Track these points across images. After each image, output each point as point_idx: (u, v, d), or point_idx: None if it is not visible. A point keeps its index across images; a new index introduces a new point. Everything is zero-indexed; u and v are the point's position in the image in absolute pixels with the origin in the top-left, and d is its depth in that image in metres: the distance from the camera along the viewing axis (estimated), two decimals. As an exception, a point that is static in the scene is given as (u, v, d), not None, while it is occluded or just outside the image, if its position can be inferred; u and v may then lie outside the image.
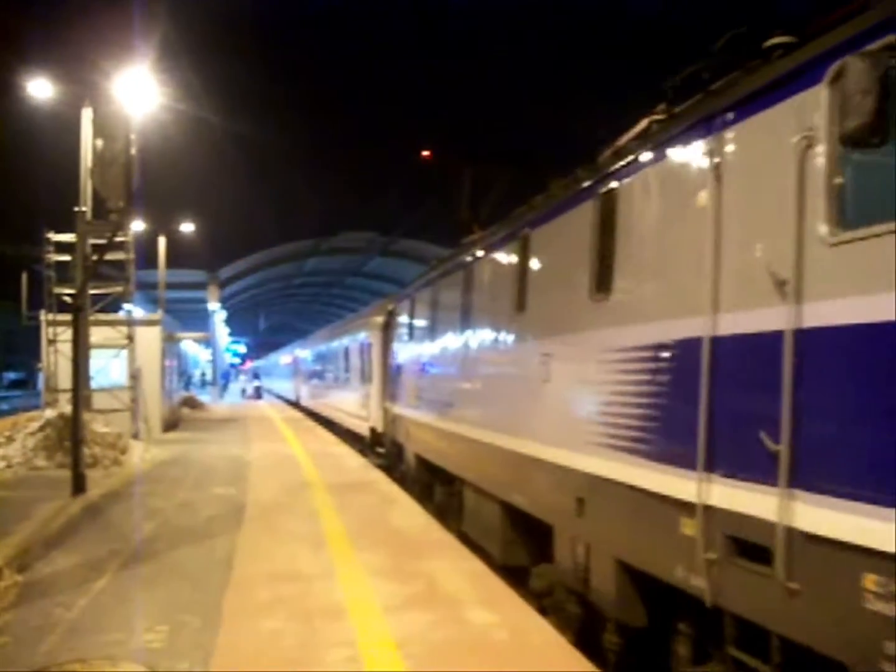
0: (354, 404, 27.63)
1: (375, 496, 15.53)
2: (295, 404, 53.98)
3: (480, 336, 12.37)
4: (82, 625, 7.69)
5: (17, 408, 48.84)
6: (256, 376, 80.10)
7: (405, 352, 19.19)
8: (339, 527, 12.44)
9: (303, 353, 52.50)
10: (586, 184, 8.58)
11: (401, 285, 41.36)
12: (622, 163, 7.75)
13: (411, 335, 18.49)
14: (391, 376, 21.19)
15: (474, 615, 7.96)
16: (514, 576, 10.33)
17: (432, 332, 15.98)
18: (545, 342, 9.43)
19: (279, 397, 70.51)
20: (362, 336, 26.93)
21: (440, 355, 15.21)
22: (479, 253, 12.92)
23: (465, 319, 13.21)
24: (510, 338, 10.96)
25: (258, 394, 69.25)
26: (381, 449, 22.91)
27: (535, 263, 10.20)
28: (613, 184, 7.86)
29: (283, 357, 73.56)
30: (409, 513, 13.86)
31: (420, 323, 17.62)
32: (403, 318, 19.66)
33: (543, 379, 9.31)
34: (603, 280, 7.88)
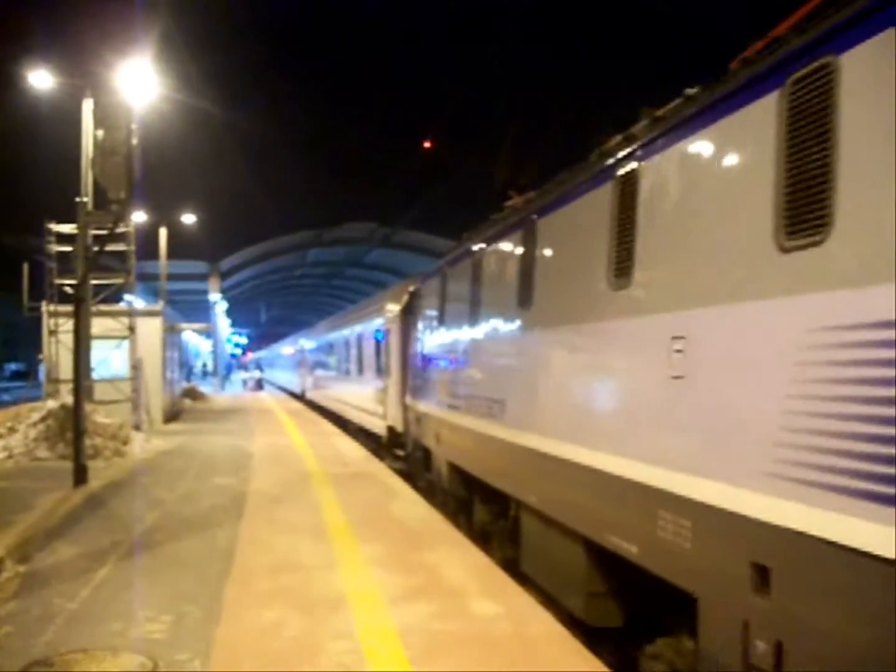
0: (369, 400, 24.72)
1: (377, 487, 15.53)
2: (299, 397, 51.23)
3: (555, 315, 9.18)
4: (84, 615, 7.69)
5: (18, 398, 48.87)
6: (259, 367, 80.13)
7: (434, 339, 15.64)
8: (341, 518, 12.44)
9: (309, 342, 48.45)
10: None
11: (402, 276, 41.15)
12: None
13: (443, 318, 14.94)
14: (414, 368, 17.94)
15: (477, 606, 7.95)
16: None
17: (474, 312, 12.40)
18: (682, 319, 6.29)
19: (282, 389, 68.08)
20: (378, 323, 23.97)
21: (486, 341, 11.88)
22: (556, 206, 9.37)
23: (526, 294, 10.00)
24: (609, 316, 7.64)
25: (259, 385, 69.35)
26: (401, 451, 20.20)
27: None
28: None
29: (287, 347, 68.51)
30: (411, 504, 13.85)
31: (455, 303, 14.03)
32: (431, 300, 16.19)
33: (674, 373, 6.29)
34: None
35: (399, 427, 20.19)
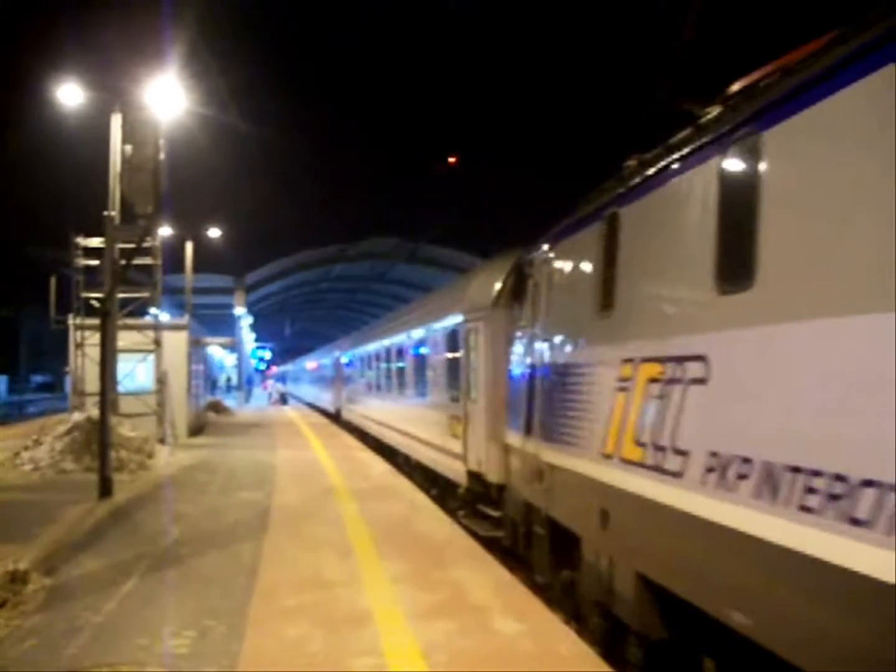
0: (435, 430, 17.80)
1: (401, 503, 15.49)
2: (333, 417, 43.33)
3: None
4: (109, 629, 7.71)
5: (44, 411, 49.23)
6: (283, 381, 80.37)
7: (565, 340, 9.89)
8: (365, 533, 12.42)
9: (347, 353, 39.31)
10: None
11: (427, 292, 40.88)
12: None
13: (611, 299, 8.26)
14: (517, 387, 12.01)
15: (500, 624, 7.91)
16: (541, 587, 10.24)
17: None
18: None
19: (311, 407, 61.26)
20: (452, 322, 16.81)
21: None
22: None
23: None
24: None
25: (283, 400, 69.59)
26: (492, 511, 13.85)
27: None
28: None
29: (319, 359, 59.22)
30: (434, 520, 13.81)
31: (641, 268, 7.74)
32: (572, 271, 9.87)
33: None
34: None
35: (492, 475, 13.48)
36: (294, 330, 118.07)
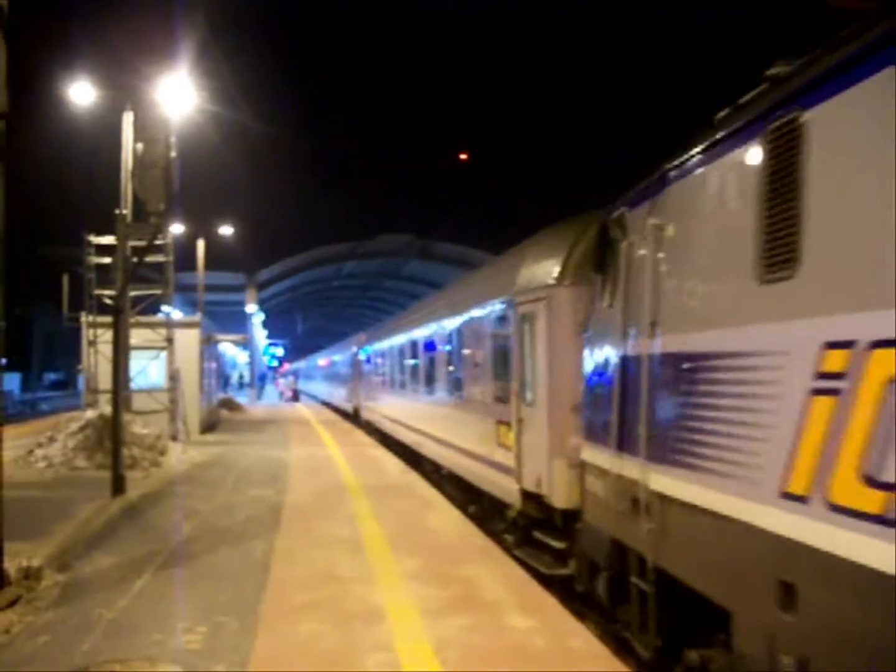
0: (477, 437, 14.87)
1: (414, 500, 15.48)
2: (352, 417, 40.31)
3: None
4: (122, 625, 7.72)
5: (57, 408, 49.46)
6: (295, 377, 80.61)
7: (694, 319, 6.97)
8: (377, 530, 12.42)
9: (368, 347, 35.22)
10: None
11: (437, 288, 40.74)
12: None
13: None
14: (600, 387, 9.24)
15: (513, 621, 7.89)
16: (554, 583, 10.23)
17: None
18: None
19: (326, 405, 58.63)
20: (499, 308, 13.73)
21: None
22: None
23: None
24: None
25: (296, 397, 69.78)
26: (555, 541, 11.05)
27: None
28: None
29: (335, 355, 55.06)
30: (447, 516, 13.81)
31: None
32: (681, 230, 7.32)
33: None
34: None
35: (558, 498, 10.87)
36: (306, 327, 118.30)
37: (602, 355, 9.02)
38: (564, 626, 7.84)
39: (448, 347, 18.09)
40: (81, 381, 27.84)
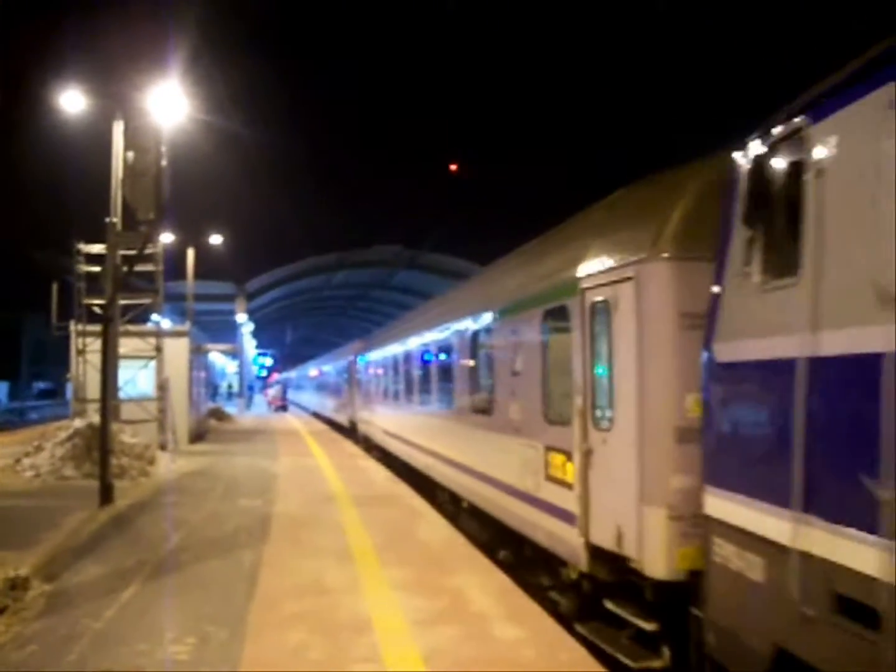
0: (516, 466, 11.39)
1: (401, 509, 15.46)
2: (348, 432, 36.68)
3: None
4: (109, 635, 7.70)
5: (45, 417, 49.28)
6: (284, 386, 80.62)
7: None
8: (366, 540, 12.40)
9: (368, 355, 31.04)
10: None
11: (427, 298, 40.60)
12: None
13: None
14: (747, 406, 6.20)
15: (501, 631, 7.89)
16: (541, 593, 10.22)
17: None
18: None
19: (317, 416, 56.39)
20: (552, 298, 10.36)
21: None
22: None
23: None
24: None
25: (283, 407, 69.78)
26: (642, 620, 7.79)
27: None
28: None
29: (328, 364, 50.93)
30: (435, 526, 13.79)
31: None
32: None
33: None
34: None
35: (653, 566, 7.60)
36: (295, 337, 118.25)
37: (752, 352, 5.99)
38: (553, 637, 7.84)
39: (473, 353, 14.56)
40: (70, 390, 27.74)
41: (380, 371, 27.43)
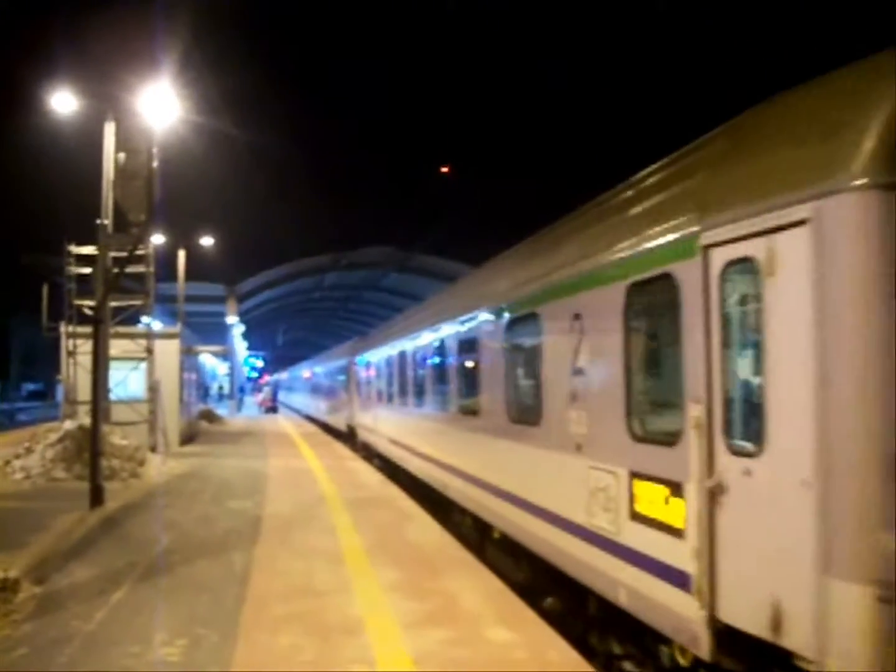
0: (575, 494, 8.39)
1: (393, 512, 15.46)
2: (346, 438, 33.51)
3: None
4: (100, 637, 7.68)
5: (36, 419, 49.11)
6: (274, 389, 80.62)
7: None
8: (357, 542, 12.39)
9: (370, 353, 27.34)
10: None
11: (418, 301, 40.51)
12: None
13: None
14: None
15: (493, 633, 7.90)
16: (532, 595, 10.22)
17: None
18: None
19: (310, 419, 54.33)
20: (635, 261, 7.39)
21: None
22: None
23: None
24: None
25: (274, 408, 69.74)
26: None
27: None
28: None
29: (322, 365, 47.99)
30: (426, 529, 13.79)
31: None
32: None
33: None
34: None
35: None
36: (286, 338, 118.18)
37: None
38: (544, 639, 7.84)
39: (511, 347, 11.27)
40: (60, 392, 27.67)
41: (385, 371, 23.73)
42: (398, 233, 56.71)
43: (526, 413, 10.42)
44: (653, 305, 7.32)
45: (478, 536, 13.01)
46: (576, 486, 8.28)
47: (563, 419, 8.74)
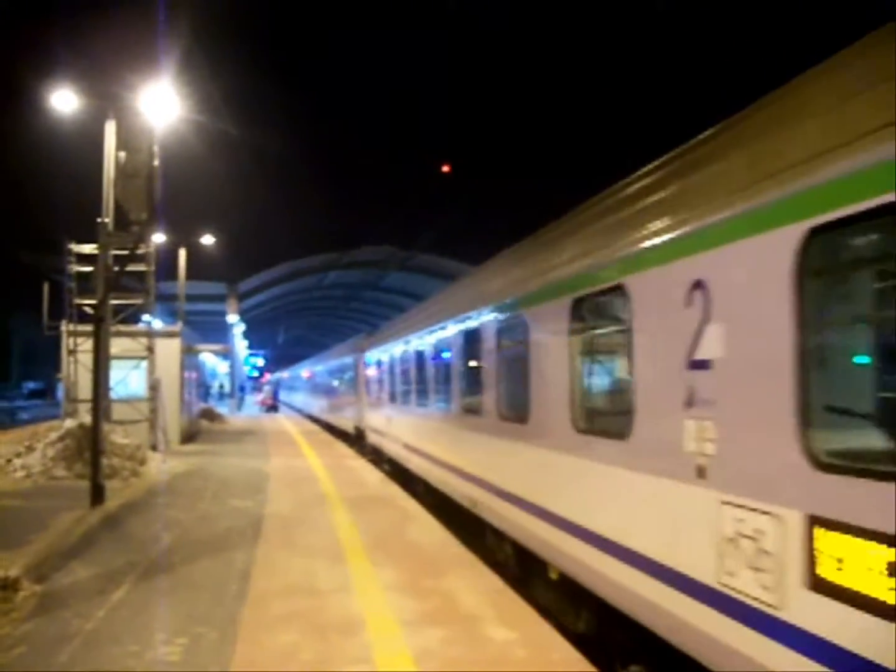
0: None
1: (393, 511, 15.45)
2: (355, 439, 31.10)
3: None
4: (100, 636, 7.68)
5: (36, 417, 49.12)
6: (275, 388, 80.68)
7: None
8: (357, 541, 12.38)
9: (381, 349, 24.82)
10: None
11: (419, 299, 40.49)
12: None
13: None
14: None
15: (493, 632, 7.89)
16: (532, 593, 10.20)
17: None
18: None
19: (313, 419, 52.08)
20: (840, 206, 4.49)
21: None
22: None
23: None
24: None
25: (275, 407, 69.78)
26: None
27: None
28: None
29: (326, 363, 45.64)
30: (427, 528, 13.78)
31: None
32: None
33: None
34: None
35: None
36: (287, 337, 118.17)
37: None
38: (544, 638, 7.84)
39: (580, 332, 8.48)
40: (61, 391, 27.68)
41: (400, 369, 21.00)
42: (398, 232, 56.69)
43: (603, 421, 8.10)
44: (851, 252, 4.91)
45: (520, 569, 10.86)
46: (692, 526, 5.96)
47: (670, 430, 6.24)
